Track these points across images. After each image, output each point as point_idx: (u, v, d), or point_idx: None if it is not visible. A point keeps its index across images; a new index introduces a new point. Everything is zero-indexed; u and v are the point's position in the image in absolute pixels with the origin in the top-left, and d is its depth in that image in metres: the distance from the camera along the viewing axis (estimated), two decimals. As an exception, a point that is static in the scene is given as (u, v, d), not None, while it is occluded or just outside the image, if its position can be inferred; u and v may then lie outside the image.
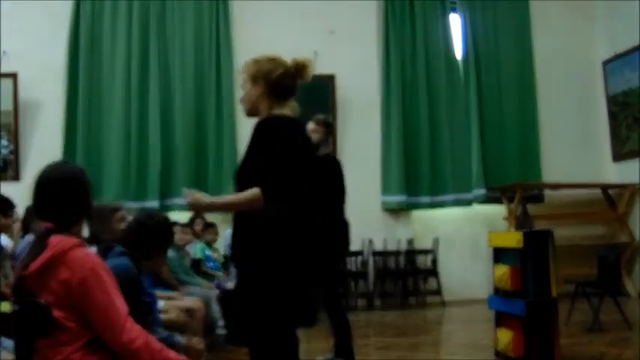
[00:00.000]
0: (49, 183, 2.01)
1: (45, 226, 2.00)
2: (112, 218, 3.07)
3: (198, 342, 2.83)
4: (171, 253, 5.29)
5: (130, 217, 3.05)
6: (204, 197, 2.41)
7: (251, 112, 2.52)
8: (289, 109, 2.51)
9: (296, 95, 2.55)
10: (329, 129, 4.55)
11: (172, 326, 3.55)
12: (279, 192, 2.28)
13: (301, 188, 2.39)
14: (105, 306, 1.86)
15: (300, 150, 2.41)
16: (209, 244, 6.40)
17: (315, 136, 4.24)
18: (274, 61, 2.49)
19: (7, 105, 7.27)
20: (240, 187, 2.39)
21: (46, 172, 2.04)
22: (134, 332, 1.88)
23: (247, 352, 2.43)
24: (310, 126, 4.28)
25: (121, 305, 1.90)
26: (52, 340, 1.86)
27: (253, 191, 2.27)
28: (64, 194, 2.00)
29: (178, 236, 5.45)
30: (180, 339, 2.94)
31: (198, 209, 2.23)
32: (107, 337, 1.87)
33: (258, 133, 2.37)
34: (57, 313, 1.85)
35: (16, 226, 5.03)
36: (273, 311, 2.28)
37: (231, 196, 2.41)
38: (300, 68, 2.50)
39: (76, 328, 1.87)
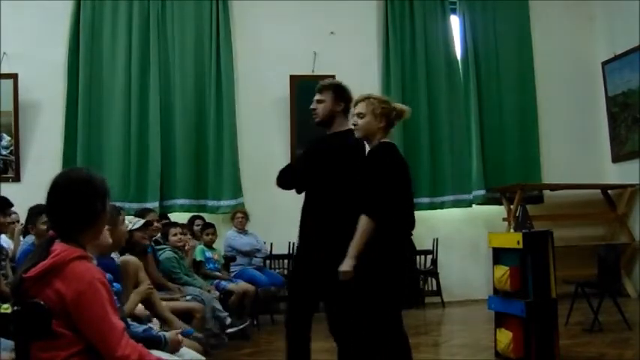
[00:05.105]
0: (54, 189, 1.98)
1: (50, 233, 1.99)
2: (117, 220, 3.03)
3: (175, 333, 2.81)
4: (170, 253, 5.29)
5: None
6: (344, 266, 2.96)
7: (364, 138, 3.24)
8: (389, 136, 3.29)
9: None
10: (340, 94, 3.41)
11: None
12: (386, 209, 2.98)
13: (404, 203, 3.10)
14: (100, 322, 1.84)
15: (401, 171, 3.16)
16: (208, 245, 6.39)
17: (321, 109, 3.40)
18: (389, 103, 3.24)
19: (7, 105, 7.26)
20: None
21: (55, 178, 2.00)
22: (129, 349, 1.86)
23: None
24: (316, 97, 3.42)
25: (116, 321, 1.87)
26: (47, 343, 1.85)
27: (363, 222, 2.96)
28: (65, 201, 1.96)
29: (177, 237, 5.46)
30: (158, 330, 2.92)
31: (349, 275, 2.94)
32: (101, 351, 1.86)
33: (372, 157, 3.17)
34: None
35: (17, 228, 5.03)
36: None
37: (356, 241, 2.98)
38: (401, 112, 3.27)
39: (70, 336, 1.86)
